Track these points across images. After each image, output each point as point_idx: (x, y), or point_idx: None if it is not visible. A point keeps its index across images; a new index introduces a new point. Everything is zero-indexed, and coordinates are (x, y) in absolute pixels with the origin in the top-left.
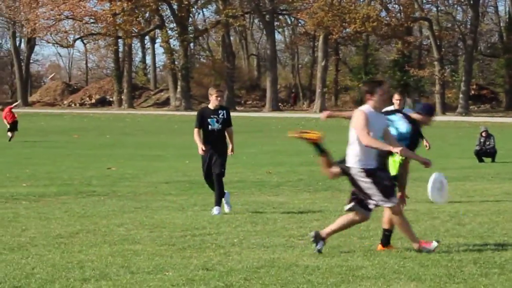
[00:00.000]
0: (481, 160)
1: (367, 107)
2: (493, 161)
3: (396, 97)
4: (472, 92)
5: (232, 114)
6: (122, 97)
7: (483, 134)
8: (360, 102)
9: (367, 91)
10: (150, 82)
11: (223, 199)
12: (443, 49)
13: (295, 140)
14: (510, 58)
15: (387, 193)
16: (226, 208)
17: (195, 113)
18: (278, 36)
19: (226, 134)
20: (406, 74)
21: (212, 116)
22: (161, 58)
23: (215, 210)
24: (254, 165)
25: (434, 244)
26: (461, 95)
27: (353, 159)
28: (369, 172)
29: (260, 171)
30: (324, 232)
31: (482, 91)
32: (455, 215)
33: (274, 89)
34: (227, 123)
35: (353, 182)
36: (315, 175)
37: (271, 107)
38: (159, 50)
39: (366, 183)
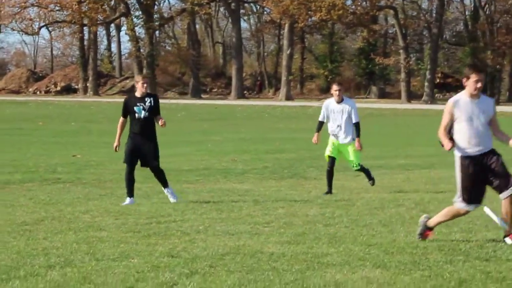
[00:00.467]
0: None
1: None
2: None
3: (334, 88)
4: (437, 80)
5: (198, 102)
6: (88, 84)
7: None
8: (326, 89)
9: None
10: (115, 70)
11: (167, 190)
12: (408, 38)
13: (261, 127)
14: (475, 46)
15: None
16: (171, 199)
17: (161, 100)
18: (243, 24)
19: (155, 122)
20: (371, 63)
21: (138, 104)
22: (127, 46)
23: (171, 198)
24: (220, 152)
25: None
26: (426, 83)
27: None
28: None
29: (225, 159)
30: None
31: (447, 79)
32: (420, 202)
33: (240, 77)
34: (155, 111)
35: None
36: (281, 163)
37: (236, 95)
38: (124, 37)
39: None
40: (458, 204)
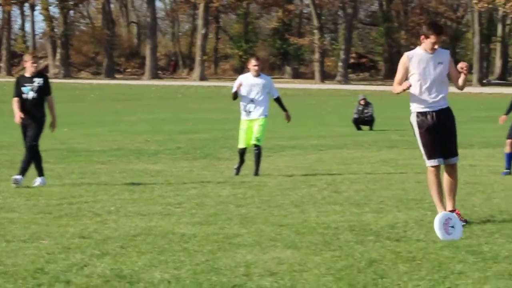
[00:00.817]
0: (359, 128)
1: None
2: (371, 129)
3: (253, 62)
4: (352, 60)
5: (112, 82)
6: (1, 64)
7: (362, 102)
8: (240, 70)
9: None
10: (29, 50)
11: (38, 181)
12: (323, 18)
13: (175, 107)
14: (390, 26)
15: None
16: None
17: (75, 80)
18: (158, 4)
19: (44, 103)
20: (286, 43)
21: (26, 84)
22: (41, 25)
23: (38, 180)
24: (133, 133)
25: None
26: (340, 64)
27: None
28: None
29: (138, 139)
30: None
31: (361, 59)
32: (332, 183)
33: (154, 57)
34: (44, 91)
35: None
36: (194, 143)
37: (150, 75)
38: (38, 17)
39: None
40: (426, 163)
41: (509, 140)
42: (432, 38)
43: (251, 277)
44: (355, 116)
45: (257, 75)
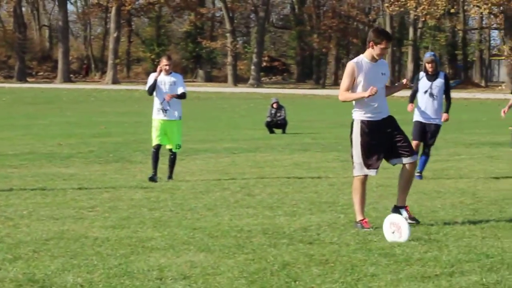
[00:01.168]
0: (272, 131)
1: None
2: (283, 132)
3: (164, 62)
4: (264, 63)
5: (23, 85)
6: None
7: (274, 105)
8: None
9: None
10: None
11: None
12: (235, 21)
13: (87, 111)
14: (302, 30)
15: None
16: None
17: None
18: (70, 7)
19: None
20: (198, 46)
21: None
22: None
23: None
24: (45, 136)
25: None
26: (253, 67)
27: None
28: None
29: (51, 143)
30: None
31: (273, 62)
32: (245, 186)
33: (66, 60)
34: None
35: None
36: (106, 147)
37: (63, 79)
38: None
39: None
40: (356, 171)
41: (415, 142)
42: (383, 44)
43: (164, 280)
44: (268, 119)
45: (169, 74)
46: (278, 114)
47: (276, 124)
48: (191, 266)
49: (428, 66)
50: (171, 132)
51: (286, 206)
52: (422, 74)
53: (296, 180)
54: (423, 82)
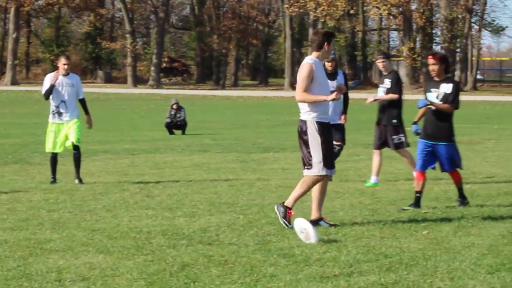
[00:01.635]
0: (171, 133)
1: None
2: (183, 133)
3: (63, 61)
4: (164, 64)
5: None
6: None
7: (174, 106)
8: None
9: None
10: None
11: None
12: (135, 22)
13: None
14: (202, 31)
15: None
16: None
17: None
18: None
19: None
20: (98, 47)
21: None
22: None
23: None
24: None
25: None
26: (152, 68)
27: None
28: None
29: None
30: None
31: (173, 63)
32: (145, 187)
33: None
34: None
35: None
36: (5, 148)
37: None
38: None
39: None
40: (316, 171)
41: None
42: (330, 46)
43: (63, 282)
44: (168, 120)
45: (67, 74)
46: (178, 115)
47: (176, 125)
48: (90, 267)
49: (328, 65)
50: (69, 129)
51: (186, 207)
52: None
53: (196, 181)
54: None
